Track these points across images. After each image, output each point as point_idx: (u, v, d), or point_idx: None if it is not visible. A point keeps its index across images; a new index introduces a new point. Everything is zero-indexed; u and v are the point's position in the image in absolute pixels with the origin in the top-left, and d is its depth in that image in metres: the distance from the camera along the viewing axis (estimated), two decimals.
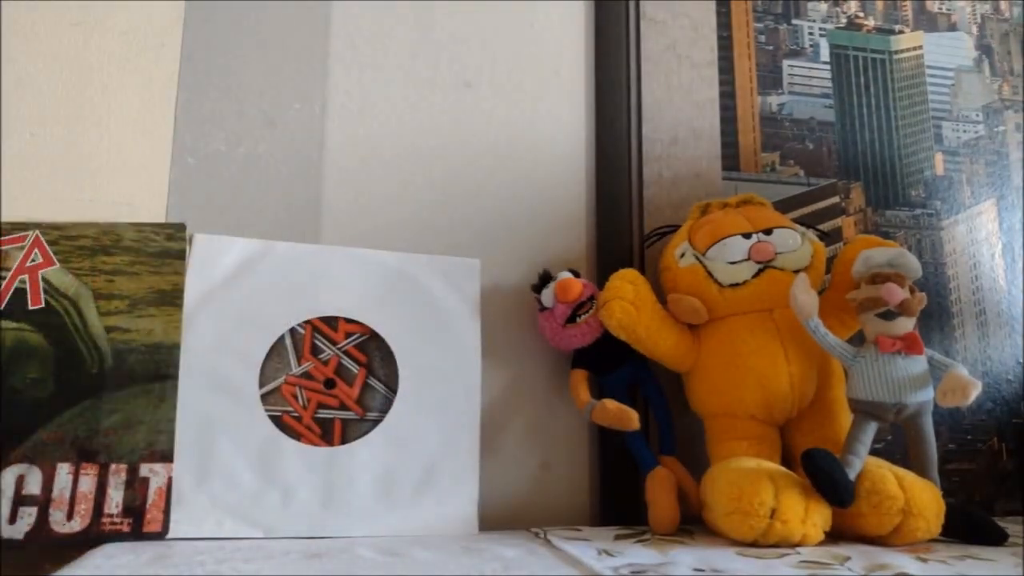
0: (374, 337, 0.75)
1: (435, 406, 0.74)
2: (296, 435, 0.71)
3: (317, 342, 0.74)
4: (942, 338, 0.92)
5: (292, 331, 0.73)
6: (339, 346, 0.74)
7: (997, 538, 0.67)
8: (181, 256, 0.72)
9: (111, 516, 0.64)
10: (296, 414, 0.71)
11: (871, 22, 1.00)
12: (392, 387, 0.74)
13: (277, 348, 0.73)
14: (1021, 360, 0.95)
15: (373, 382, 0.74)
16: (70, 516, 0.63)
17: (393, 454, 0.72)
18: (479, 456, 0.74)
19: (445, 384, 0.75)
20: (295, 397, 0.72)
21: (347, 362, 0.74)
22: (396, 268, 0.77)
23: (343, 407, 0.73)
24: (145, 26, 0.79)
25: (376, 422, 0.73)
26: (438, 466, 0.72)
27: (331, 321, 0.75)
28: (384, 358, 0.75)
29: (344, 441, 0.71)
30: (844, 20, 0.99)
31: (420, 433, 0.73)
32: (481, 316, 0.80)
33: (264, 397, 0.71)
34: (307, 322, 0.74)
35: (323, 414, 0.72)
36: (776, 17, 0.96)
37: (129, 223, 0.72)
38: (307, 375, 0.73)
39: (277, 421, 0.71)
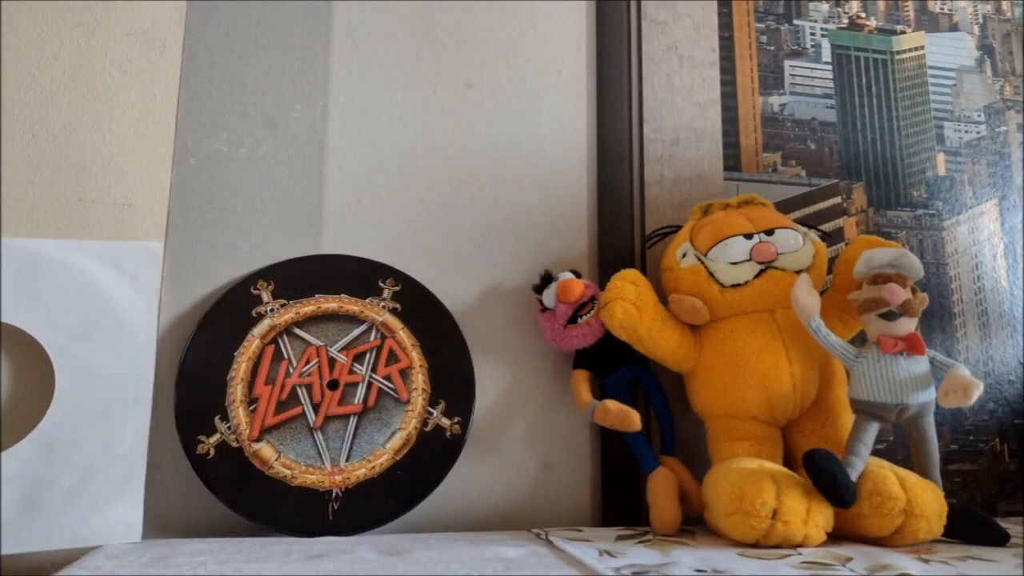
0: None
1: (96, 410, 0.67)
2: None
3: None
4: (944, 338, 0.92)
5: None
6: None
7: (999, 539, 0.67)
8: None
9: None
10: None
11: (873, 22, 1.00)
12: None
13: None
14: (1022, 360, 0.94)
15: None
16: None
17: (42, 464, 0.65)
18: (146, 459, 0.69)
19: (109, 385, 0.68)
20: None
21: None
22: (56, 258, 0.69)
23: None
24: (147, 27, 0.79)
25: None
26: (96, 473, 0.66)
27: None
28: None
29: None
30: (846, 20, 0.99)
31: (76, 440, 0.66)
32: (482, 316, 0.81)
33: None
34: None
35: None
36: (778, 17, 0.96)
37: None
38: None
39: None
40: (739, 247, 0.75)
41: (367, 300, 0.76)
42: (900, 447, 0.87)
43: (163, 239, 0.76)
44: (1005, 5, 1.05)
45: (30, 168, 0.74)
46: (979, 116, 1.01)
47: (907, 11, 1.02)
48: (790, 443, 0.75)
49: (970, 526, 0.68)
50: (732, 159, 0.90)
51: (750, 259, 0.74)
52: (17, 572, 0.65)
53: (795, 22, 0.97)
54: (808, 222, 0.89)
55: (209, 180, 0.78)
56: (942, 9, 1.03)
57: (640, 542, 0.66)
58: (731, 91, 0.92)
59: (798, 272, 0.74)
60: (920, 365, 0.67)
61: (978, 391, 0.65)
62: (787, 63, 0.95)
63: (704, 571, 0.55)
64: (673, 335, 0.75)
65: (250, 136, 0.80)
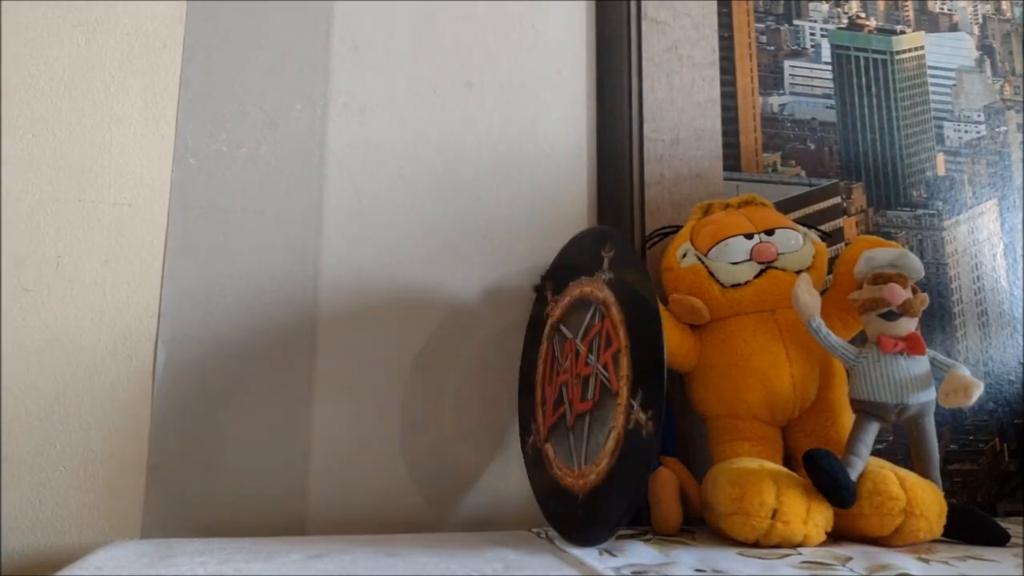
0: None
1: None
2: None
3: None
4: (944, 338, 0.92)
5: None
6: None
7: (999, 539, 0.67)
8: None
9: None
10: None
11: (872, 22, 1.00)
12: None
13: None
14: (1022, 360, 0.94)
15: None
16: None
17: None
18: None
19: None
20: None
21: None
22: None
23: None
24: (147, 27, 0.79)
25: None
26: None
27: None
28: None
29: None
30: (845, 20, 0.99)
31: None
32: (483, 316, 0.80)
33: None
34: None
35: None
36: (777, 17, 0.96)
37: None
38: None
39: None
40: (739, 247, 0.75)
41: (593, 276, 0.67)
42: (900, 447, 0.87)
43: (163, 239, 0.76)
44: (1005, 5, 1.06)
45: (30, 168, 0.74)
46: (979, 116, 1.01)
47: (907, 11, 1.02)
48: (790, 443, 0.75)
49: (970, 526, 0.68)
50: (732, 159, 0.90)
51: (750, 259, 0.74)
52: (17, 572, 0.65)
53: (795, 22, 0.97)
54: (808, 222, 0.89)
55: (209, 180, 0.78)
56: (942, 9, 1.03)
57: (641, 542, 0.66)
58: (731, 91, 0.92)
59: (798, 272, 0.74)
60: (920, 365, 0.67)
61: (978, 391, 0.65)
62: (787, 63, 0.95)
63: (704, 571, 0.55)
64: (673, 335, 0.74)
65: (250, 136, 0.80)
